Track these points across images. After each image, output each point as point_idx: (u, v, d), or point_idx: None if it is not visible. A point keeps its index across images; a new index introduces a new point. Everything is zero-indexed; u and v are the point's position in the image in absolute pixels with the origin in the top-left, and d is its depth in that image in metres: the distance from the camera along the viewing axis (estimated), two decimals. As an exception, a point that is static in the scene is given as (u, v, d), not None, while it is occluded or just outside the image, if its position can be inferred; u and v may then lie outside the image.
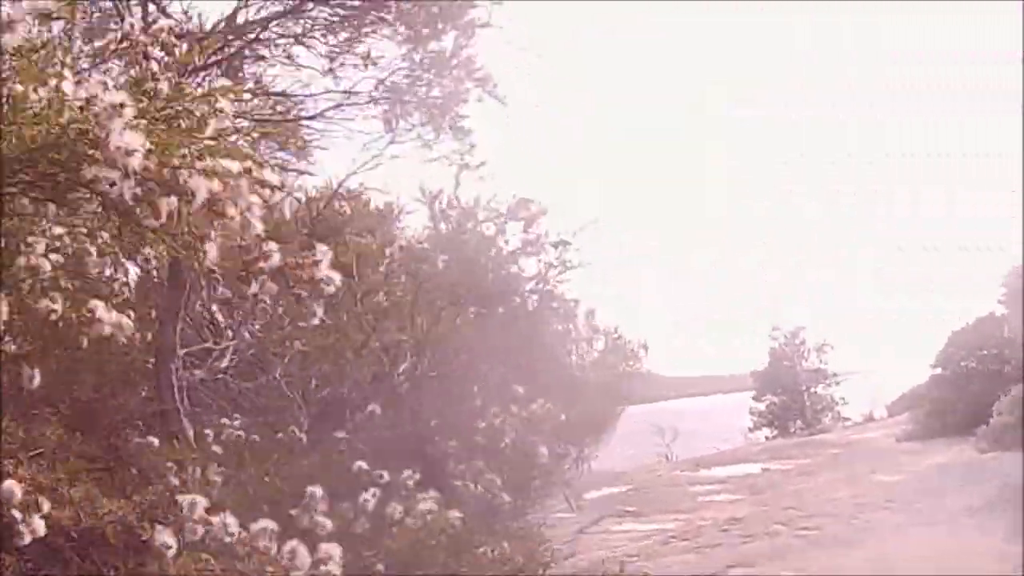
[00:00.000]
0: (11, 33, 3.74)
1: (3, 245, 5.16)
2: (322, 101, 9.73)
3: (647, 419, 53.65)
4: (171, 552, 5.17)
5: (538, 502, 13.03)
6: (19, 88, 3.60)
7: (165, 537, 5.16)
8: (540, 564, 10.19)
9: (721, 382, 61.53)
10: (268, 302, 8.61)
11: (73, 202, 4.16)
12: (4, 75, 3.75)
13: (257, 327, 10.24)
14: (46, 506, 4.80)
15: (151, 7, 7.62)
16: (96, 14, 7.63)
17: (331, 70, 9.45)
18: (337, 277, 4.59)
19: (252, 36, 8.76)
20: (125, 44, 4.96)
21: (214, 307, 9.98)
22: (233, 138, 4.65)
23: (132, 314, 5.34)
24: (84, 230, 5.82)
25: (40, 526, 4.70)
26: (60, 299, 5.02)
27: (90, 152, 3.56)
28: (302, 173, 10.93)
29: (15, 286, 5.17)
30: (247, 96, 7.87)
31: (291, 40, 9.22)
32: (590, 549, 17.15)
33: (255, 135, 7.38)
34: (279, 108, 9.81)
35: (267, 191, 4.01)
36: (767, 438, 40.81)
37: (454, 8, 9.69)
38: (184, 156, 3.69)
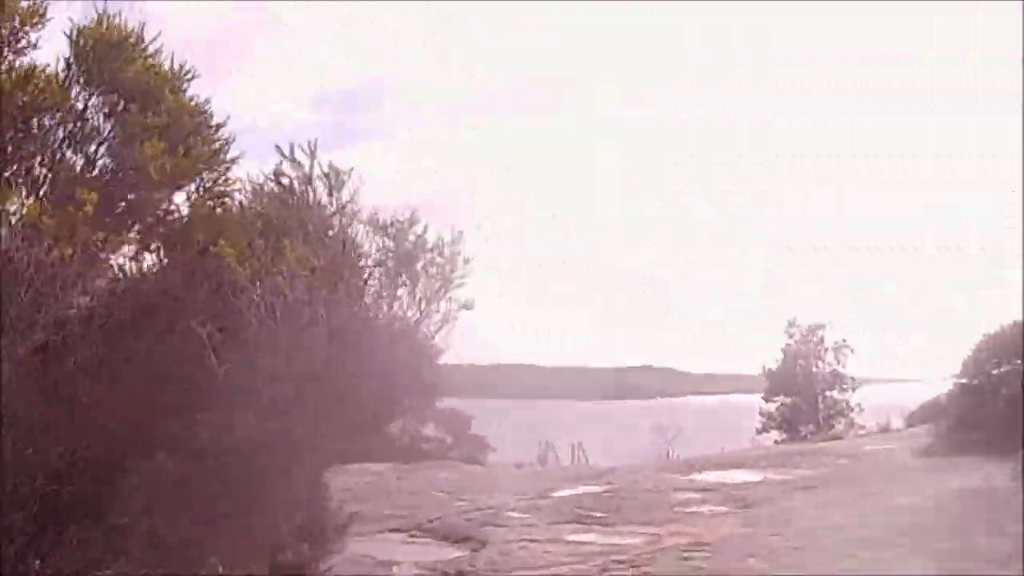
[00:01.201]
0: None
1: None
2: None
3: (655, 414, 50.30)
4: None
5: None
6: None
7: None
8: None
9: (747, 381, 57.49)
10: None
11: None
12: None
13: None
14: None
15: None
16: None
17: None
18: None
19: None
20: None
21: None
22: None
23: None
24: None
25: None
26: None
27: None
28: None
29: None
30: None
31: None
32: (511, 565, 13.25)
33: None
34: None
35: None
36: (776, 441, 36.86)
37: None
38: None
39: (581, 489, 21.17)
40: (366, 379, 10.47)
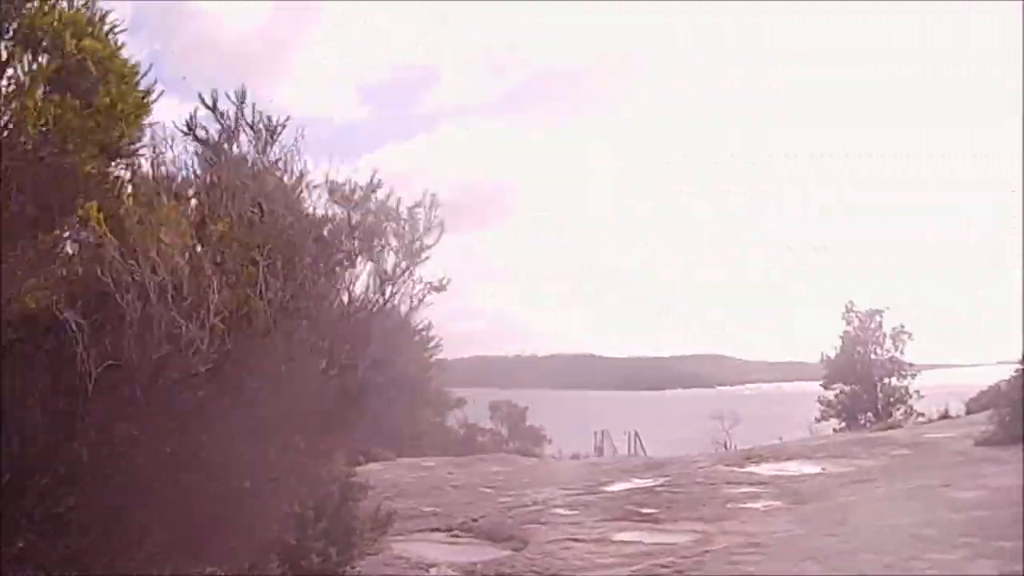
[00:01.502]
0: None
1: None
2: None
3: (713, 403, 49.32)
4: None
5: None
6: None
7: None
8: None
9: (806, 368, 56.42)
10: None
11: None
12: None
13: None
14: None
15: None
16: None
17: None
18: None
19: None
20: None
21: None
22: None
23: None
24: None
25: None
26: None
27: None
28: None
29: None
30: None
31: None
32: (551, 568, 12.49)
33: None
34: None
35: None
36: (835, 430, 35.75)
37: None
38: None
39: (633, 483, 20.35)
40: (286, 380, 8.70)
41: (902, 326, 38.32)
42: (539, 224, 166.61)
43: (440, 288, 9.99)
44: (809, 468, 20.18)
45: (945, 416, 30.62)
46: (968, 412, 29.06)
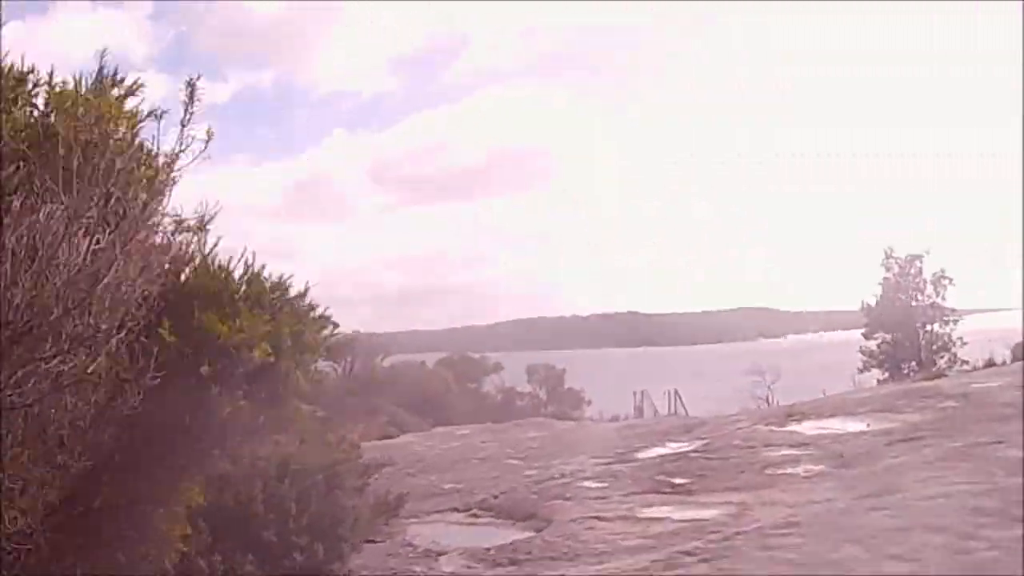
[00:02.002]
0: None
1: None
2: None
3: (753, 356, 47.70)
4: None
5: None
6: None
7: None
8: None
9: (848, 317, 54.81)
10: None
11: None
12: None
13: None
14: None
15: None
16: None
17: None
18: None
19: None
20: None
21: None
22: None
23: None
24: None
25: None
26: None
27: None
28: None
29: None
30: None
31: None
32: (570, 551, 11.17)
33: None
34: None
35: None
36: (878, 381, 34.14)
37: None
38: None
39: (668, 448, 19.01)
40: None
41: (942, 271, 36.63)
42: (576, 184, 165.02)
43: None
44: (853, 425, 18.69)
45: (990, 364, 28.99)
46: (1014, 359, 27.52)
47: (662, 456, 17.71)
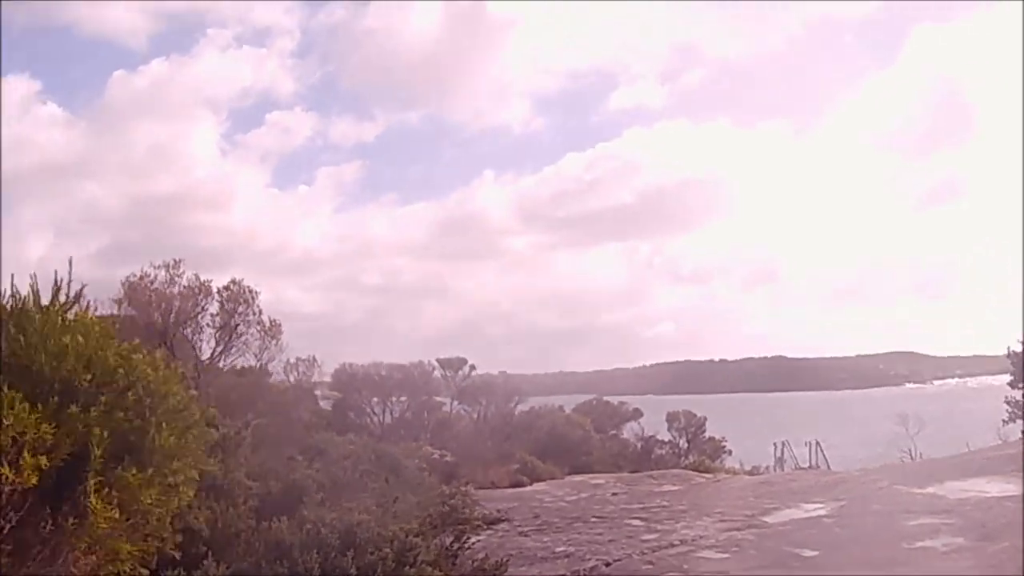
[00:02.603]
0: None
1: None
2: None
3: (900, 403, 45.50)
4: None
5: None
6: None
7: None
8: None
9: (992, 362, 51.90)
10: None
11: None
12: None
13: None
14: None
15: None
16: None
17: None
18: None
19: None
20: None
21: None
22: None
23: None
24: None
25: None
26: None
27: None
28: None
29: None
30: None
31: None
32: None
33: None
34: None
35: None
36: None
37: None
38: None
39: (802, 510, 17.68)
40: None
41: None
42: (730, 227, 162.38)
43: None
44: (996, 488, 17.16)
45: None
46: None
47: (794, 522, 16.36)
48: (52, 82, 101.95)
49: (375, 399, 31.82)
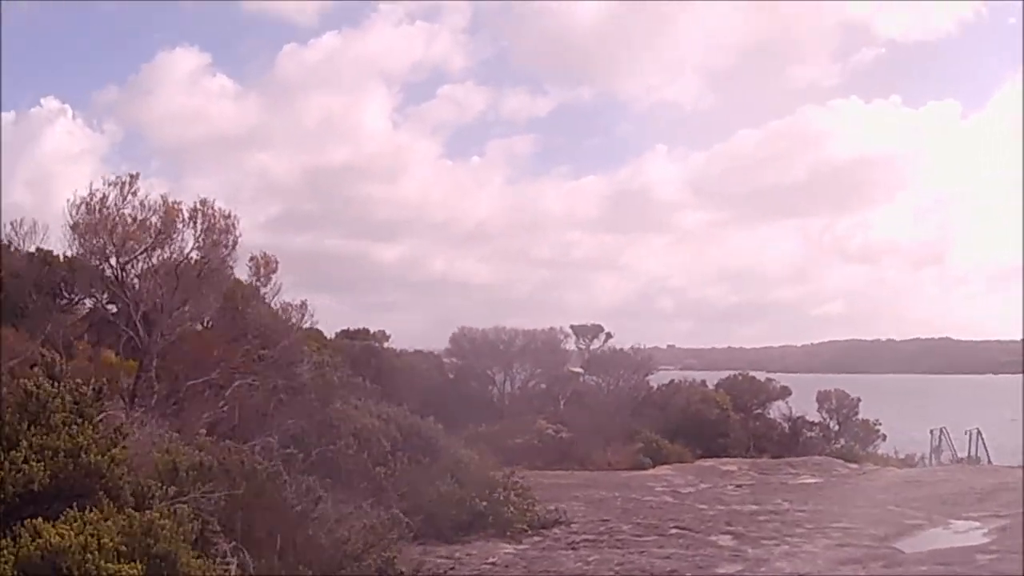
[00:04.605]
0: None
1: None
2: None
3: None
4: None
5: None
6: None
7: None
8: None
9: None
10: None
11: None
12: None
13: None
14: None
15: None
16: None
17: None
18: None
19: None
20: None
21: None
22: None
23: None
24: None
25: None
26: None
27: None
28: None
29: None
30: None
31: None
32: None
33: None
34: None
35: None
36: None
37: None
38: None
39: (947, 535, 12.72)
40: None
41: None
42: (900, 205, 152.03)
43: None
44: None
45: None
46: None
47: (937, 554, 11.29)
48: (222, 55, 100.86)
49: (495, 367, 27.30)
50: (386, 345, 26.21)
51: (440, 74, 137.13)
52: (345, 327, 26.31)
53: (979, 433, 28.10)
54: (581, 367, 28.87)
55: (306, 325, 17.65)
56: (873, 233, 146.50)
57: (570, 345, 29.31)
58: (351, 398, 15.81)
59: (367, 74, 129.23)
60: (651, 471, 21.98)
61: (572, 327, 29.52)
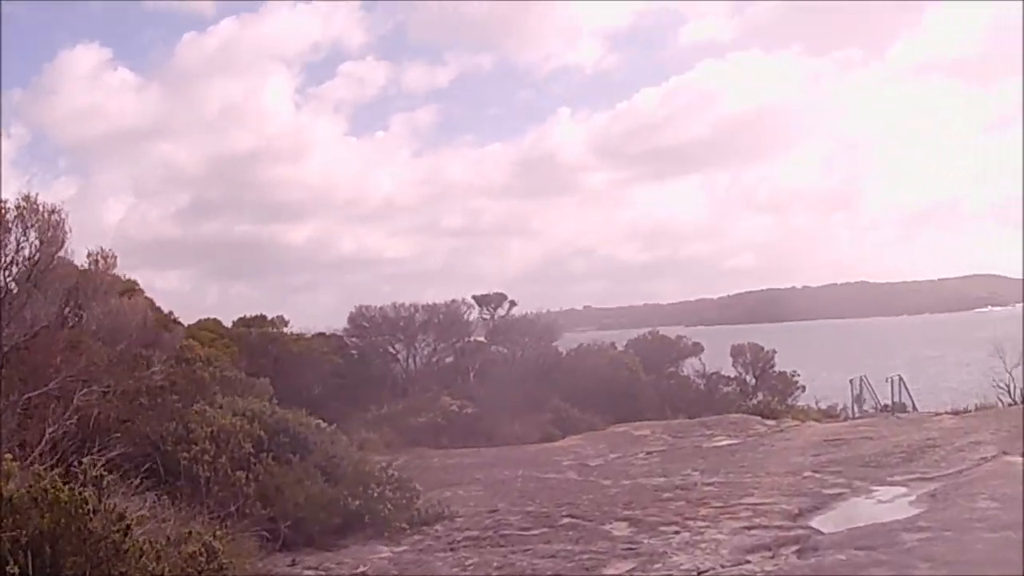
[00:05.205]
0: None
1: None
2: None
3: (986, 329, 37.66)
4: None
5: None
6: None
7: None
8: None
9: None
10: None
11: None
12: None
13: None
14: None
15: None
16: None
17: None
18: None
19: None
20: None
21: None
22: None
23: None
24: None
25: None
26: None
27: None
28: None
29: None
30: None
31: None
32: None
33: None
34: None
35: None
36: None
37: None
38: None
39: (878, 496, 11.26)
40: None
41: None
42: (805, 154, 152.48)
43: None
44: None
45: None
46: None
47: (859, 533, 9.61)
48: (122, 49, 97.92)
49: (397, 345, 25.44)
50: (285, 330, 24.32)
51: (339, 52, 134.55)
52: (258, 313, 24.64)
53: (901, 379, 26.69)
54: (484, 337, 27.02)
55: (201, 317, 15.96)
56: (780, 183, 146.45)
57: (474, 316, 27.45)
58: (220, 396, 13.92)
59: (266, 57, 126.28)
60: (561, 443, 20.29)
61: (474, 297, 27.62)
